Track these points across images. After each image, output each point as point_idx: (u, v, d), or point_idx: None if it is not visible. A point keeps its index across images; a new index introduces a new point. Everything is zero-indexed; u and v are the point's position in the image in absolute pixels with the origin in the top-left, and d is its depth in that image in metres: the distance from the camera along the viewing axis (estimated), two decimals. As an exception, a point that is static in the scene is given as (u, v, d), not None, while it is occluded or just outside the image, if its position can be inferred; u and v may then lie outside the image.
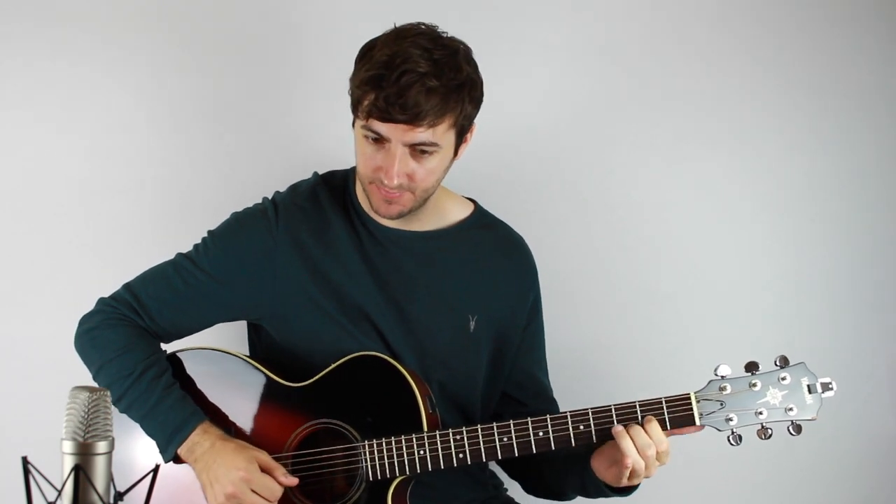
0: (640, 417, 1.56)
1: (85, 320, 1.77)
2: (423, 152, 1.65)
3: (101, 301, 1.78)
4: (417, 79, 1.58)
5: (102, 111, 2.13)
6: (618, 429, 1.56)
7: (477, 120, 1.82)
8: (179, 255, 1.79)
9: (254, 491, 1.62)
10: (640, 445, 1.55)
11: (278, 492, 1.63)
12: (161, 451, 1.67)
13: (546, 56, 2.18)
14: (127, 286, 1.78)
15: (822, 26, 2.20)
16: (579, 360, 2.15)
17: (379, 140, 1.64)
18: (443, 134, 1.64)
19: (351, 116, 1.75)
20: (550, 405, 1.89)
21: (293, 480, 1.65)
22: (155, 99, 2.14)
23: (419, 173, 1.66)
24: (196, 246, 1.79)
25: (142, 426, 1.68)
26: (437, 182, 1.72)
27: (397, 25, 1.67)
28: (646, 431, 1.55)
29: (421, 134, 1.62)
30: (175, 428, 1.66)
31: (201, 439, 1.65)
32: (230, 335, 1.83)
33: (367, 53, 1.65)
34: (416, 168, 1.66)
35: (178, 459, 1.67)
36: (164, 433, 1.67)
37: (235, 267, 1.75)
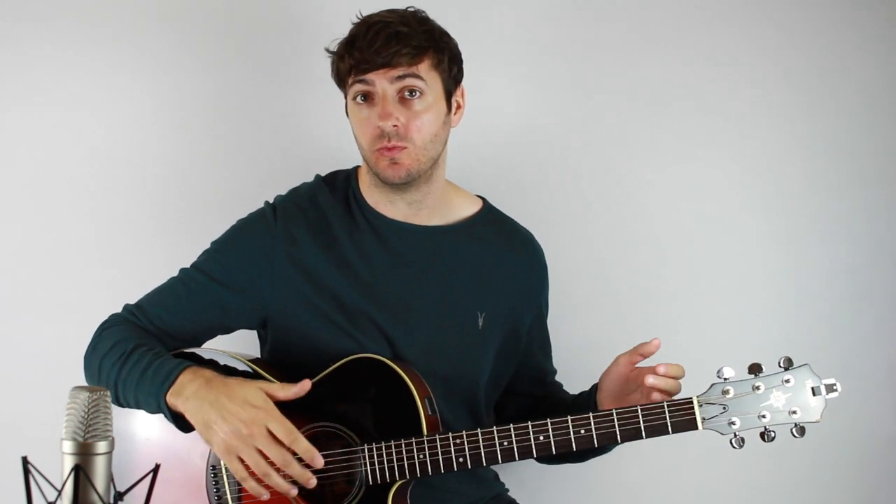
0: (641, 421, 1.55)
1: (92, 337, 1.74)
2: (412, 93, 1.68)
3: (110, 315, 1.77)
4: (386, 26, 1.67)
5: (102, 111, 2.13)
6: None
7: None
8: (183, 268, 1.79)
9: (268, 430, 1.53)
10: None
11: (295, 433, 1.54)
12: (155, 409, 1.59)
13: (546, 56, 2.18)
14: (136, 302, 1.77)
15: (823, 26, 2.20)
16: (581, 361, 2.14)
17: (368, 99, 1.69)
18: (426, 72, 1.69)
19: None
20: (554, 388, 1.91)
21: (303, 387, 1.58)
22: (155, 99, 2.14)
23: (412, 122, 1.68)
24: (199, 255, 1.79)
25: (137, 398, 1.61)
26: (432, 141, 1.71)
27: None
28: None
29: (402, 69, 1.66)
30: (163, 378, 1.58)
31: (192, 377, 1.57)
32: (238, 337, 1.83)
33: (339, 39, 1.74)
34: (409, 116, 1.68)
35: (177, 418, 1.59)
36: (153, 389, 1.58)
37: (236, 269, 1.74)
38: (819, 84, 2.19)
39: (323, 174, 1.86)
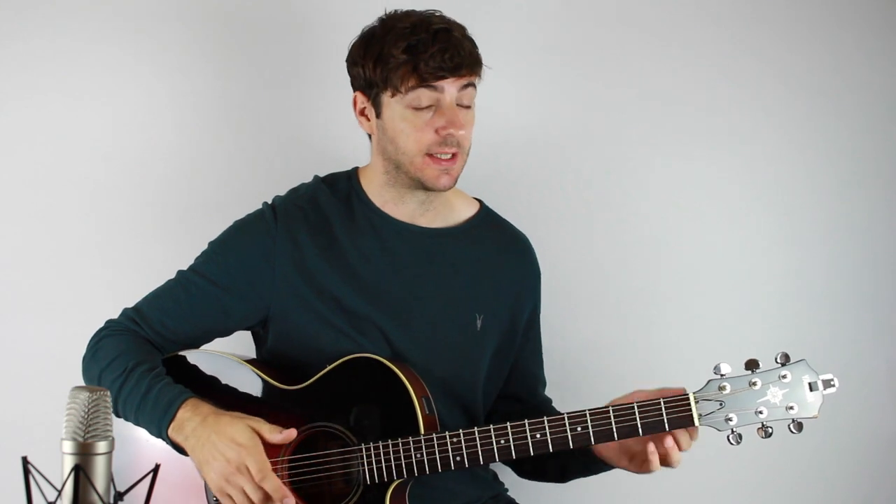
0: (638, 419, 1.55)
1: (89, 342, 1.75)
2: (464, 106, 1.70)
3: (107, 321, 1.77)
4: (448, 33, 1.66)
5: (103, 111, 2.13)
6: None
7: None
8: (180, 270, 1.78)
9: (246, 467, 1.55)
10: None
11: (267, 472, 1.56)
12: (157, 436, 1.63)
13: (546, 56, 2.18)
14: (134, 305, 1.77)
15: (823, 26, 2.20)
16: (579, 360, 2.15)
17: (425, 107, 1.68)
18: (477, 80, 1.71)
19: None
20: (544, 401, 1.91)
21: (289, 434, 1.60)
22: (156, 99, 2.14)
23: (466, 131, 1.70)
24: (197, 257, 1.79)
25: (137, 421, 1.64)
26: (470, 147, 1.74)
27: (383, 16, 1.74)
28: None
29: (467, 78, 1.68)
30: (164, 409, 1.60)
31: (191, 415, 1.59)
32: (236, 337, 1.83)
33: (377, 39, 1.70)
34: (464, 124, 1.70)
35: (177, 447, 1.62)
36: (154, 417, 1.61)
37: (236, 271, 1.74)
38: (819, 84, 2.19)
39: (321, 175, 1.86)
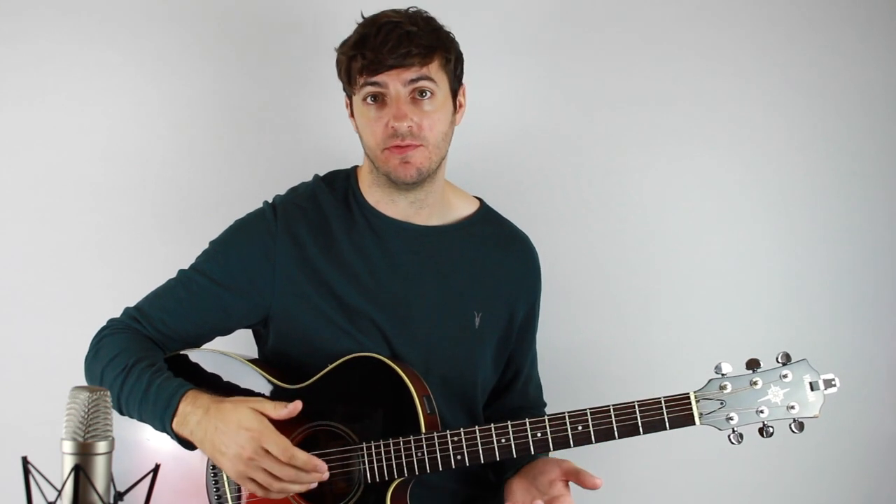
0: (638, 418, 1.55)
1: (92, 341, 1.75)
2: (423, 94, 1.69)
3: (109, 320, 1.77)
4: (396, 26, 1.67)
5: (103, 112, 2.13)
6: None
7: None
8: (181, 269, 1.78)
9: (265, 450, 1.55)
10: None
11: (290, 448, 1.56)
12: (161, 431, 1.63)
13: (546, 55, 2.18)
14: (135, 304, 1.77)
15: (824, 26, 2.20)
16: (579, 360, 2.15)
17: (379, 99, 1.70)
18: (436, 72, 1.70)
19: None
20: (536, 404, 1.91)
21: (295, 407, 1.59)
22: (156, 99, 2.14)
23: (424, 122, 1.69)
24: (198, 256, 1.79)
25: (141, 417, 1.64)
26: (443, 139, 1.73)
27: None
28: None
29: (415, 71, 1.67)
30: (164, 404, 1.61)
31: (192, 408, 1.60)
32: (237, 337, 1.83)
33: (347, 39, 1.74)
34: (421, 116, 1.69)
35: (183, 441, 1.62)
36: (157, 413, 1.61)
37: (237, 270, 1.74)
38: (820, 84, 2.19)
39: (321, 174, 1.86)
